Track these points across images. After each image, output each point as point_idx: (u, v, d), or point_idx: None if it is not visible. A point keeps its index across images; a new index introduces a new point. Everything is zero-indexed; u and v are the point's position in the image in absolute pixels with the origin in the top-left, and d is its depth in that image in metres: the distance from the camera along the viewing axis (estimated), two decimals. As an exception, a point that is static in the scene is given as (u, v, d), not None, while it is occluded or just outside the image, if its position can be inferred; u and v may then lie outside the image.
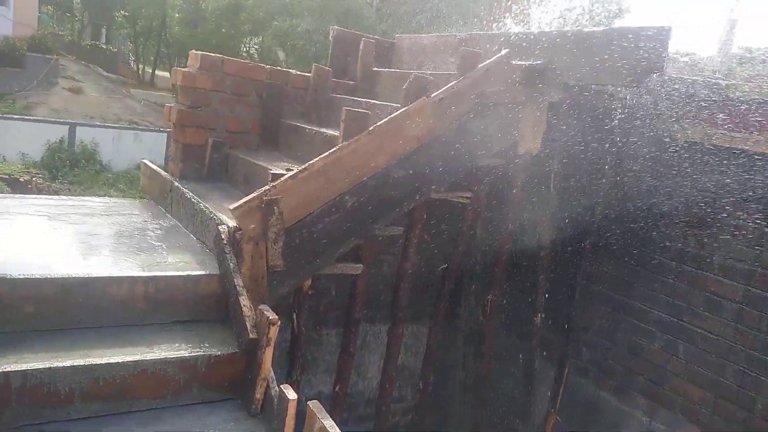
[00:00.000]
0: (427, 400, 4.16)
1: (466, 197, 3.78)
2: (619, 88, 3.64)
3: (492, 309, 4.03)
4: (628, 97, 3.71)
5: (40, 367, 2.09)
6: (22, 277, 2.27)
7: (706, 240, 3.56)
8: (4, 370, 2.03)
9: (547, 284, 4.03)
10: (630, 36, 3.14)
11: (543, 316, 4.03)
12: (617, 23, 18.23)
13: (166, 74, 26.44)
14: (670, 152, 3.72)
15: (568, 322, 4.16)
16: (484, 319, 4.13)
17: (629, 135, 3.88)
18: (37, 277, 2.30)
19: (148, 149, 15.58)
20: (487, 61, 3.47)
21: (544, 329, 4.15)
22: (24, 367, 2.07)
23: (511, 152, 3.69)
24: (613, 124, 3.87)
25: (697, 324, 3.58)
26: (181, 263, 2.70)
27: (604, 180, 3.97)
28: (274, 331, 2.33)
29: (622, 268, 3.99)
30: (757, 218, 3.32)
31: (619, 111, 3.75)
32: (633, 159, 3.88)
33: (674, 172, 3.71)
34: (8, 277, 2.25)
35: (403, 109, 3.14)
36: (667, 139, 3.69)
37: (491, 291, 4.01)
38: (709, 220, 3.54)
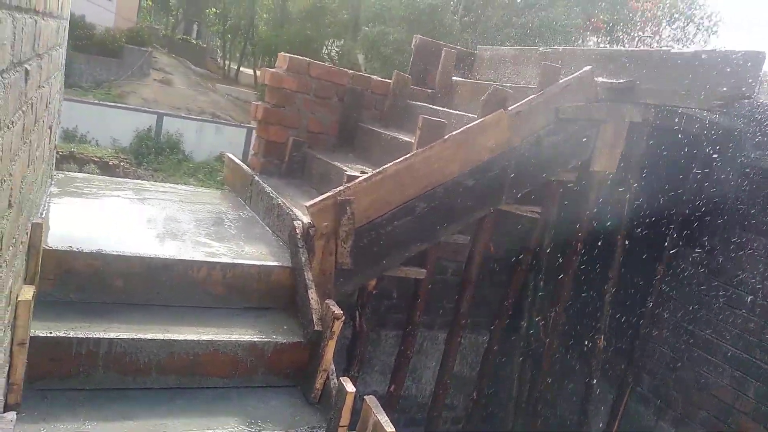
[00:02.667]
0: (479, 411, 4.16)
1: (536, 212, 3.76)
2: (706, 113, 3.53)
3: (554, 327, 3.98)
4: (715, 122, 3.58)
5: (125, 337, 2.27)
6: (115, 253, 2.47)
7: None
8: (95, 336, 2.21)
9: (613, 307, 3.94)
10: (719, 59, 3.04)
11: (606, 339, 3.94)
12: (712, 41, 17.42)
13: (250, 71, 27.51)
14: (755, 182, 3.56)
15: (632, 348, 4.04)
16: (544, 336, 4.08)
17: (712, 161, 3.74)
18: (128, 255, 2.50)
19: (228, 142, 16.27)
20: (569, 77, 3.45)
21: (606, 353, 4.06)
22: (111, 335, 2.25)
23: (585, 169, 3.65)
24: (697, 149, 3.74)
25: (769, 362, 3.41)
26: (256, 253, 2.85)
27: (681, 207, 3.84)
28: (338, 326, 2.42)
29: (694, 297, 3.84)
30: None
31: (704, 136, 3.63)
32: (715, 187, 3.74)
33: (758, 204, 3.55)
34: (103, 252, 2.45)
35: (480, 120, 3.18)
36: (748, 169, 3.54)
37: (554, 308, 3.96)
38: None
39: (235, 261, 2.68)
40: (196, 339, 2.38)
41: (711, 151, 3.71)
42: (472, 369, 4.32)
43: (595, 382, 4.03)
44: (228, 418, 2.30)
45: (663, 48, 3.71)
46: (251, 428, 2.26)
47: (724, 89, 3.05)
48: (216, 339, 2.40)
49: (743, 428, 3.48)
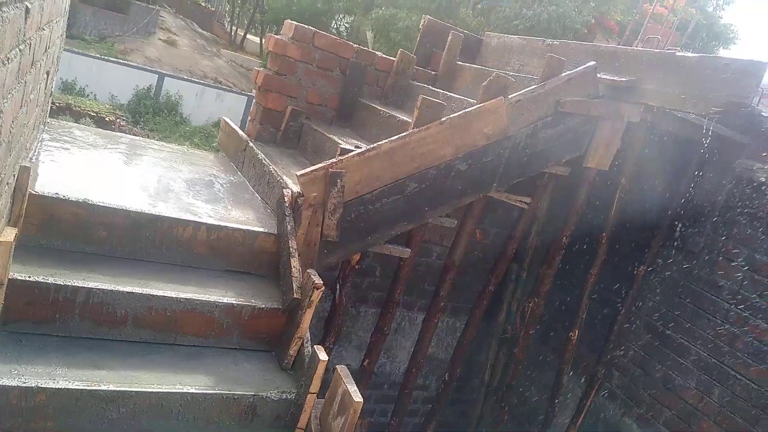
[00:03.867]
0: (450, 393, 4.21)
1: (526, 202, 3.77)
2: (704, 119, 3.53)
3: (530, 317, 4.02)
4: (712, 129, 3.59)
5: (103, 287, 2.27)
6: (101, 204, 2.46)
7: (761, 285, 3.43)
8: (73, 284, 2.22)
9: (590, 302, 3.98)
10: (721, 66, 3.04)
11: (580, 332, 3.99)
12: (722, 52, 17.38)
13: (257, 39, 27.21)
14: (745, 193, 3.59)
15: (605, 344, 4.10)
16: (520, 326, 4.12)
17: (705, 168, 3.76)
18: (114, 207, 2.49)
19: (227, 108, 16.16)
20: (572, 71, 3.44)
21: (579, 346, 4.11)
22: (90, 285, 2.25)
23: (579, 164, 3.66)
24: (691, 155, 3.76)
25: (737, 369, 3.47)
26: (243, 218, 2.86)
27: (669, 210, 3.87)
28: (317, 295, 2.44)
29: (671, 299, 3.89)
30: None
31: (700, 143, 3.64)
32: (705, 194, 3.77)
33: (740, 211, 3.58)
34: (89, 201, 2.44)
35: (479, 105, 3.18)
36: (739, 179, 3.56)
37: (533, 299, 4.00)
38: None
39: (221, 223, 2.68)
40: (174, 296, 2.39)
41: (704, 158, 3.72)
42: (447, 352, 4.37)
43: (565, 374, 4.09)
44: (200, 376, 2.32)
45: (667, 50, 3.71)
46: (222, 387, 2.29)
47: (723, 97, 3.05)
48: (194, 298, 2.41)
49: (705, 431, 3.55)
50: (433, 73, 4.72)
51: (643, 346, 4.01)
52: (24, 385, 1.95)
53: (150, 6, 21.34)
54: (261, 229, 2.77)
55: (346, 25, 21.06)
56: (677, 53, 3.33)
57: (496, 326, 4.54)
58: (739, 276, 3.56)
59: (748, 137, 3.61)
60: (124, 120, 14.72)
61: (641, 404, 3.96)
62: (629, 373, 4.08)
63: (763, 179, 3.52)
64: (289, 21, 3.99)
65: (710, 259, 3.73)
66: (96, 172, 2.92)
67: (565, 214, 3.80)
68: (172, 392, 2.18)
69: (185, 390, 2.21)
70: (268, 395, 2.35)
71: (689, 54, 3.32)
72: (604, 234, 3.82)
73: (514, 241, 3.97)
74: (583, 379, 4.26)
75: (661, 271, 3.97)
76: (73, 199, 2.40)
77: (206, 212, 2.77)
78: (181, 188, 3.05)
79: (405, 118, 3.63)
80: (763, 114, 3.64)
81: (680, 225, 3.86)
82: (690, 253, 3.84)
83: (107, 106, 15.11)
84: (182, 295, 2.41)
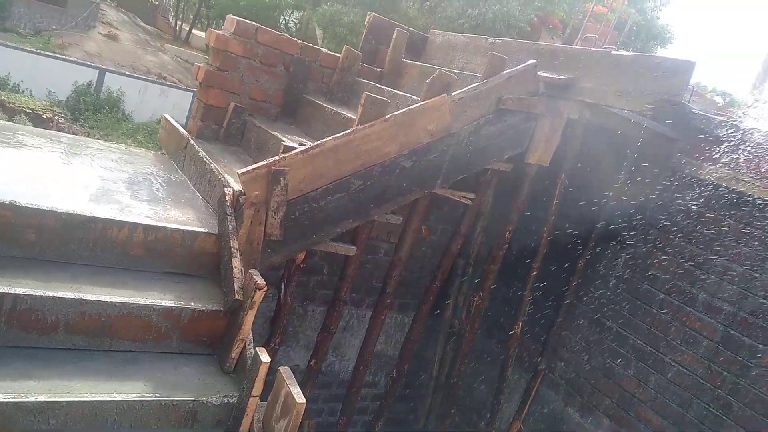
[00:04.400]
0: (398, 389, 4.23)
1: (469, 198, 3.82)
2: (640, 116, 3.66)
3: (476, 311, 4.08)
4: (647, 126, 3.72)
5: (31, 293, 2.17)
6: (29, 206, 2.34)
7: (694, 275, 3.59)
8: (-1, 290, 2.11)
9: (533, 296, 4.08)
10: (654, 64, 3.15)
11: (523, 326, 4.08)
12: (660, 51, 18.09)
13: (203, 34, 26.57)
14: (679, 187, 3.74)
15: (548, 336, 4.20)
16: (466, 320, 4.18)
17: (641, 165, 3.89)
18: (43, 208, 2.38)
19: (172, 105, 15.72)
20: (513, 69, 3.50)
21: (522, 339, 4.20)
22: (17, 290, 2.15)
23: (520, 160, 3.73)
24: (628, 151, 3.88)
25: (671, 357, 3.62)
26: (182, 218, 2.78)
27: (606, 203, 3.99)
28: (259, 296, 2.40)
29: (609, 291, 4.03)
30: (746, 263, 3.35)
31: (636, 139, 3.77)
32: (640, 186, 3.90)
33: (674, 205, 3.73)
34: (16, 203, 2.32)
35: (423, 102, 3.19)
36: (678, 172, 3.71)
37: (478, 294, 4.06)
38: (700, 257, 3.57)
39: (159, 224, 2.60)
40: (108, 300, 2.30)
41: (640, 154, 3.85)
42: (396, 348, 4.39)
43: (510, 366, 4.17)
44: (137, 382, 2.25)
45: (604, 49, 3.85)
46: (160, 393, 2.22)
47: (656, 94, 3.16)
48: (130, 302, 2.33)
49: (642, 417, 3.69)
50: (378, 70, 4.71)
51: (584, 337, 4.14)
52: (-56, 398, 1.85)
53: (89, -1, 20.54)
54: (201, 229, 2.70)
55: (295, 21, 20.83)
56: (613, 52, 3.43)
57: (443, 322, 4.58)
58: (672, 267, 3.70)
59: (680, 133, 3.76)
60: (62, 117, 14.12)
61: (583, 393, 4.08)
62: (571, 364, 4.20)
63: (694, 173, 3.67)
64: (231, 16, 3.90)
65: (646, 251, 3.87)
66: (28, 172, 2.79)
67: (508, 210, 3.87)
68: (106, 401, 2.11)
69: (121, 398, 2.14)
70: (209, 400, 2.30)
71: (624, 53, 3.43)
72: (546, 229, 3.91)
73: (459, 237, 4.01)
74: (527, 372, 4.35)
75: (599, 264, 4.10)
76: (-2, 200, 2.27)
77: (143, 213, 2.68)
78: (118, 188, 2.94)
79: (350, 115, 3.61)
80: (694, 111, 3.80)
81: (618, 219, 3.99)
82: (627, 246, 3.97)
83: (44, 102, 14.46)
84: (117, 299, 2.32)
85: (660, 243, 3.80)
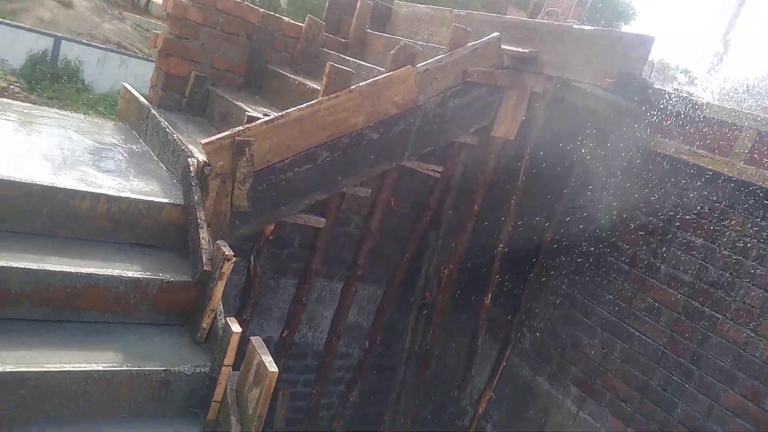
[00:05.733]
0: (371, 359, 4.31)
1: (438, 171, 3.86)
2: (601, 90, 3.73)
3: (446, 282, 4.16)
4: (609, 100, 3.80)
5: (-5, 265, 2.13)
6: (-15, 176, 2.29)
7: (657, 248, 3.71)
8: (-44, 261, 2.07)
9: (502, 267, 4.17)
10: (614, 39, 3.22)
11: (493, 296, 4.18)
12: (624, 28, 18.35)
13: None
14: (639, 159, 3.84)
15: (517, 306, 4.32)
16: (437, 291, 4.26)
17: (604, 138, 3.98)
18: (3, 179, 2.32)
19: (133, 75, 15.23)
20: (477, 41, 3.52)
21: (492, 309, 4.31)
22: (-21, 262, 2.11)
23: (486, 134, 3.78)
24: (591, 124, 3.96)
25: (636, 327, 3.76)
26: (146, 189, 2.74)
27: (571, 177, 4.08)
28: (227, 267, 2.40)
29: (576, 262, 4.14)
30: (705, 234, 3.48)
31: (598, 113, 3.85)
32: (601, 160, 4.00)
33: (637, 178, 3.84)
34: (-29, 174, 2.26)
35: (388, 73, 3.19)
36: (635, 148, 3.81)
37: (448, 265, 4.13)
38: (662, 229, 3.69)
39: (121, 194, 2.56)
40: (74, 271, 2.28)
41: (604, 129, 3.94)
42: (369, 319, 4.45)
43: (480, 336, 4.28)
44: (107, 353, 2.25)
45: (566, 23, 3.90)
46: (131, 363, 2.22)
47: (617, 68, 3.24)
48: (96, 272, 2.31)
49: (609, 385, 3.84)
50: (343, 40, 4.68)
51: (552, 307, 4.26)
52: None
53: (41, -37, 19.59)
54: (166, 200, 2.68)
55: (260, -11, 20.29)
56: (575, 26, 3.48)
57: (415, 292, 4.66)
58: (635, 238, 3.83)
59: (641, 108, 3.86)
60: (18, 87, 13.57)
61: (551, 363, 4.21)
62: (540, 334, 4.33)
63: (654, 148, 3.78)
64: (189, -19, 3.81)
65: (611, 222, 3.98)
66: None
67: (475, 182, 3.93)
68: (76, 370, 2.09)
69: (91, 368, 2.13)
70: (181, 369, 2.31)
71: (586, 27, 3.49)
72: (512, 201, 3.99)
73: (429, 209, 4.07)
74: (497, 342, 4.47)
75: (565, 235, 4.21)
76: (-47, 172, 2.22)
77: (106, 183, 2.64)
78: (80, 158, 2.88)
79: (315, 86, 3.59)
80: (655, 86, 3.89)
81: (582, 191, 4.09)
82: (592, 218, 4.08)
83: (-4, 71, 13.86)
84: (83, 270, 2.30)
85: (624, 216, 3.90)
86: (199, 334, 2.48)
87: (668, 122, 3.72)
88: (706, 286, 3.46)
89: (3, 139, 2.82)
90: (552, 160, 4.04)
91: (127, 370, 2.20)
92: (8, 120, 3.11)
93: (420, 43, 4.00)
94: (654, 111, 3.76)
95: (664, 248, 3.69)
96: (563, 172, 4.09)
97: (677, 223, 3.64)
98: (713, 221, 3.44)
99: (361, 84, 3.09)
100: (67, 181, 2.51)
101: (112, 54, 16.42)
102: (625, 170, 3.91)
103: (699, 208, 3.53)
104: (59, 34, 16.00)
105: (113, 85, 15.43)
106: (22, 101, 12.53)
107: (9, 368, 1.98)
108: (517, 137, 3.79)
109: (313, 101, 2.97)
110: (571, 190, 4.11)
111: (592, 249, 4.06)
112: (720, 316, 3.36)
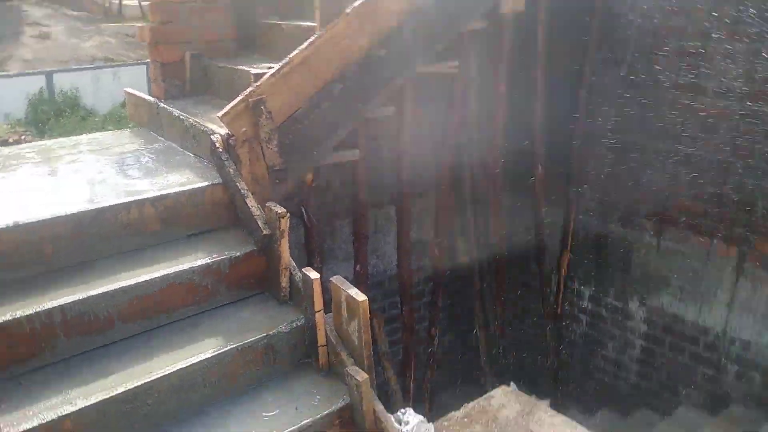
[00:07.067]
0: (444, 262, 4.34)
1: (454, 66, 3.70)
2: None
3: (495, 170, 4.11)
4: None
5: (75, 298, 2.17)
6: (33, 220, 2.29)
7: (700, 68, 3.53)
8: (45, 308, 2.11)
9: (545, 140, 4.07)
10: None
11: (543, 167, 4.14)
12: None
13: (134, 2, 25.13)
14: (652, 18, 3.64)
15: (569, 170, 4.25)
16: (490, 181, 4.22)
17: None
18: (50, 217, 2.33)
19: (128, 84, 15.11)
20: None
21: (545, 180, 4.28)
22: (61, 302, 2.14)
23: (494, 14, 3.58)
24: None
25: (694, 147, 3.62)
26: (182, 180, 2.73)
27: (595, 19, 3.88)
28: (285, 223, 2.40)
29: (622, 106, 3.99)
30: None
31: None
32: (621, 18, 3.80)
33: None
34: (20, 223, 2.27)
35: (378, -17, 3.02)
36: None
37: (491, 155, 4.06)
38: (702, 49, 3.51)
39: (162, 192, 2.56)
40: (148, 278, 2.32)
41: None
42: (428, 230, 4.45)
43: (541, 208, 4.27)
44: (207, 340, 2.31)
45: None
46: (233, 341, 2.29)
47: None
48: (168, 272, 2.35)
49: (683, 207, 3.78)
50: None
51: (605, 158, 4.15)
52: (44, 421, 1.89)
53: (5, 2, 19.43)
54: (205, 183, 2.66)
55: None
56: None
57: (465, 191, 4.61)
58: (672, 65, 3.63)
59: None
60: (29, 135, 13.77)
61: (618, 208, 4.23)
62: (600, 187, 4.28)
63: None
64: (150, -36, 3.66)
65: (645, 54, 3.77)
66: (15, 189, 2.71)
67: (496, 67, 3.79)
68: (188, 365, 2.17)
69: (199, 359, 2.20)
70: (280, 330, 2.37)
71: None
72: (538, 70, 3.84)
73: (455, 109, 3.96)
74: (559, 208, 4.48)
75: (606, 83, 4.08)
76: (2, 227, 2.23)
77: (144, 187, 2.63)
78: (109, 173, 2.88)
79: (310, 23, 3.44)
80: None
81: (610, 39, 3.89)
82: (624, 61, 3.88)
83: (4, 126, 14.08)
84: (156, 275, 2.33)
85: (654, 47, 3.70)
86: (283, 294, 2.52)
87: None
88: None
89: (36, 182, 2.82)
90: (568, 27, 3.85)
91: (233, 348, 2.26)
92: (30, 162, 3.11)
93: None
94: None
95: (707, 66, 3.50)
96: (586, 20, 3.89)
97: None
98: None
99: (355, 4, 2.93)
100: (108, 198, 2.51)
101: (102, 70, 16.34)
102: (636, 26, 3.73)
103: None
104: (48, 69, 16.00)
105: (113, 100, 15.40)
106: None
107: (130, 386, 2.04)
108: (528, 8, 3.58)
109: (312, 38, 2.86)
110: (598, 43, 3.92)
111: (632, 90, 3.90)
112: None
